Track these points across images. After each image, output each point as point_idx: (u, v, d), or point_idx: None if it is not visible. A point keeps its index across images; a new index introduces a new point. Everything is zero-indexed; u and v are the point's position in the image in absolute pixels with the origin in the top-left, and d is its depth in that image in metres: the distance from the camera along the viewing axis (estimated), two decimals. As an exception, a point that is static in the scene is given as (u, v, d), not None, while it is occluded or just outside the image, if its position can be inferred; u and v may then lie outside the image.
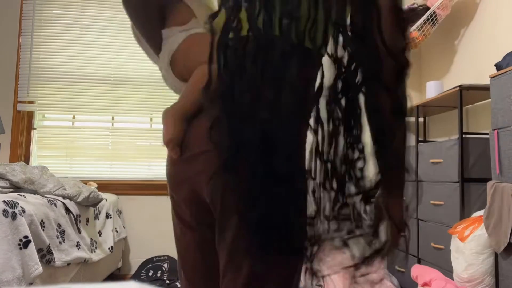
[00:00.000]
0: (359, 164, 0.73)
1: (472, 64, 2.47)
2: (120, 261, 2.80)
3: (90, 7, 3.07)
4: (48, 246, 1.60)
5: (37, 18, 3.01)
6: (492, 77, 1.70)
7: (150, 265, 2.78)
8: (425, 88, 2.91)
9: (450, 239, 1.92)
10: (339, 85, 0.72)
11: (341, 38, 0.70)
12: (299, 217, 0.70)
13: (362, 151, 0.72)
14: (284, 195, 0.65)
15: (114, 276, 2.80)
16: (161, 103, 3.08)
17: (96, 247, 2.19)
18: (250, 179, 0.64)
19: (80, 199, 2.07)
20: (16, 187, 1.90)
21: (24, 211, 1.47)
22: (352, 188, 0.74)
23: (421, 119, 2.98)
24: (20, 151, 2.91)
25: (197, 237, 0.80)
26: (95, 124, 3.06)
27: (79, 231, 2.00)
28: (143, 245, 2.92)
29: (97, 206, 2.31)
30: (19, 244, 1.41)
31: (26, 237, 1.43)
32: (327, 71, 0.72)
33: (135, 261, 2.90)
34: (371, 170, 0.73)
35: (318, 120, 0.71)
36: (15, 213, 1.42)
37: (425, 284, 1.97)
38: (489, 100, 2.04)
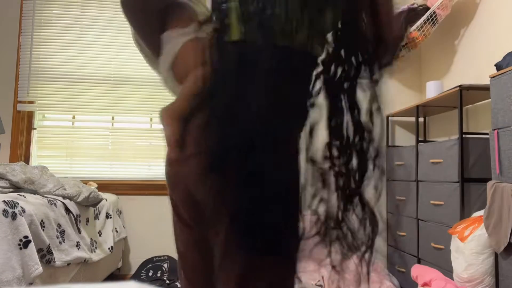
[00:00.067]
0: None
1: (472, 64, 2.47)
2: (120, 261, 2.80)
3: (90, 7, 3.07)
4: (48, 246, 1.60)
5: (37, 18, 3.01)
6: (492, 77, 1.70)
7: (150, 265, 2.78)
8: (425, 88, 2.91)
9: (450, 239, 1.92)
10: (332, 83, 0.73)
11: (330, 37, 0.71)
12: (291, 219, 0.70)
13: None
14: (275, 197, 0.65)
15: (114, 276, 2.80)
16: (161, 103, 3.07)
17: (96, 247, 2.19)
18: (238, 182, 0.64)
19: (80, 199, 2.07)
20: (16, 187, 1.90)
21: (24, 211, 1.47)
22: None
23: (421, 119, 2.98)
24: (20, 151, 2.91)
25: (196, 236, 0.81)
26: (95, 124, 3.06)
27: (79, 231, 2.00)
28: (143, 245, 2.92)
29: (97, 206, 2.31)
30: (19, 244, 1.41)
31: (26, 237, 1.43)
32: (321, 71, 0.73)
33: (135, 261, 2.90)
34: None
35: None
36: (15, 213, 1.42)
37: (425, 284, 1.97)
38: (489, 100, 2.04)
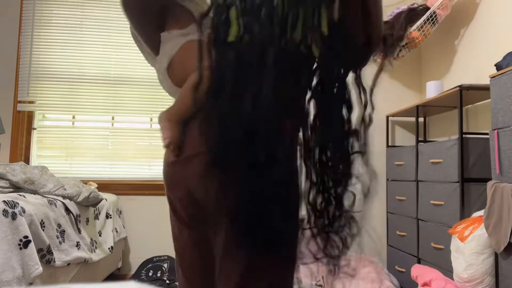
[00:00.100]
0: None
1: (472, 64, 2.47)
2: (120, 261, 2.80)
3: (90, 7, 3.07)
4: (48, 246, 1.60)
5: (37, 18, 3.01)
6: (492, 77, 1.70)
7: (150, 265, 2.78)
8: (425, 88, 2.91)
9: (450, 239, 1.92)
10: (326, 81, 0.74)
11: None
12: (291, 217, 0.70)
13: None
14: (276, 195, 0.65)
15: (114, 276, 2.80)
16: (161, 103, 3.08)
17: (96, 247, 2.19)
18: (239, 178, 0.65)
19: (80, 199, 2.07)
20: (16, 187, 1.90)
21: (24, 211, 1.47)
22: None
23: (421, 119, 2.98)
24: (20, 151, 2.91)
25: (194, 235, 0.81)
26: (95, 124, 3.06)
27: (79, 231, 2.00)
28: (143, 245, 2.92)
29: (97, 206, 2.31)
30: (19, 244, 1.41)
31: (26, 237, 1.43)
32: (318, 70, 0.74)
33: (135, 261, 2.90)
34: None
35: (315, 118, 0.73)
36: (15, 213, 1.42)
37: (425, 284, 1.97)
38: (489, 100, 2.04)
